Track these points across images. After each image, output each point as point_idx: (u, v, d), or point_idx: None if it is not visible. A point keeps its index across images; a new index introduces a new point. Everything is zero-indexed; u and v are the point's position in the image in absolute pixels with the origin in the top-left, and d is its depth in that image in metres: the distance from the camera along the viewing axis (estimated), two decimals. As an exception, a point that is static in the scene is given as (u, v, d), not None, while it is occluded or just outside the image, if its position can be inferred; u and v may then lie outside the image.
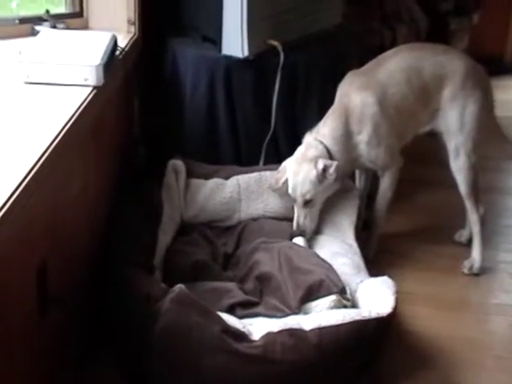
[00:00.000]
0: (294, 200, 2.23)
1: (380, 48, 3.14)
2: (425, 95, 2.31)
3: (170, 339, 1.65)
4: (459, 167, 2.34)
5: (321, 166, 2.16)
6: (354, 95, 2.27)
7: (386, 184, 2.37)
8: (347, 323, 1.73)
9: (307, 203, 2.21)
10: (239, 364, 1.66)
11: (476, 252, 2.42)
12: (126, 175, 2.31)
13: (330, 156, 2.23)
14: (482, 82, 2.34)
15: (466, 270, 2.40)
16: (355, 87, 2.29)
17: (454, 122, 2.31)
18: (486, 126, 2.36)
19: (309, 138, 2.26)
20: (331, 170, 2.16)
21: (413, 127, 2.38)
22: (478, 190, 2.38)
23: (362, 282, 1.96)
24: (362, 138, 2.27)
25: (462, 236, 2.58)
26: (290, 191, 2.23)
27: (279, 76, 2.42)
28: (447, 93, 2.30)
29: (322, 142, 2.23)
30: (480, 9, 4.24)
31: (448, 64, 2.31)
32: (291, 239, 2.18)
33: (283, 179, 2.26)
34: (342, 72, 2.56)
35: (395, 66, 2.31)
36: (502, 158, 2.49)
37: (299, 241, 2.17)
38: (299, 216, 2.22)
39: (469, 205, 2.39)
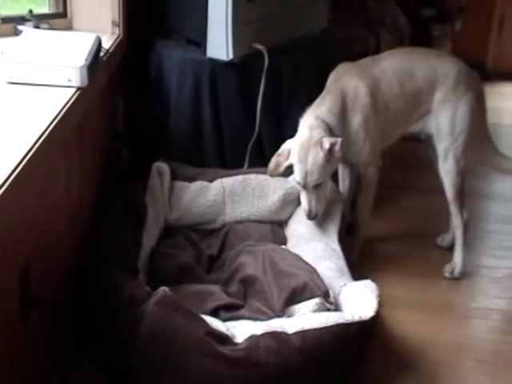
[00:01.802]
0: (304, 185, 2.18)
1: (364, 53, 3.16)
2: (416, 98, 2.32)
3: (154, 342, 1.64)
4: (447, 170, 2.35)
5: (327, 145, 2.12)
6: (349, 81, 2.27)
7: (367, 184, 2.38)
8: (330, 326, 1.73)
9: (317, 186, 2.18)
10: (223, 367, 1.65)
11: (457, 256, 2.43)
12: (110, 177, 2.29)
13: (332, 132, 2.19)
14: (474, 87, 2.35)
15: (447, 274, 2.42)
16: (350, 75, 2.29)
17: (445, 125, 2.32)
18: (477, 132, 2.37)
19: (309, 119, 2.20)
20: (337, 148, 2.13)
21: (400, 128, 2.40)
22: (463, 194, 2.40)
23: (345, 285, 1.97)
24: (353, 125, 2.26)
25: (444, 240, 2.59)
26: (297, 178, 2.18)
27: (264, 79, 2.42)
28: (439, 96, 2.31)
29: (323, 120, 2.19)
30: (462, 16, 4.28)
31: (440, 68, 2.32)
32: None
33: (286, 164, 2.20)
34: (327, 76, 2.58)
35: (389, 66, 2.32)
36: (490, 169, 2.50)
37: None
38: (310, 200, 2.18)
39: (453, 209, 2.41)
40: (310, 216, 2.20)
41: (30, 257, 1.51)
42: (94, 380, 1.81)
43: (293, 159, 2.18)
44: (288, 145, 2.20)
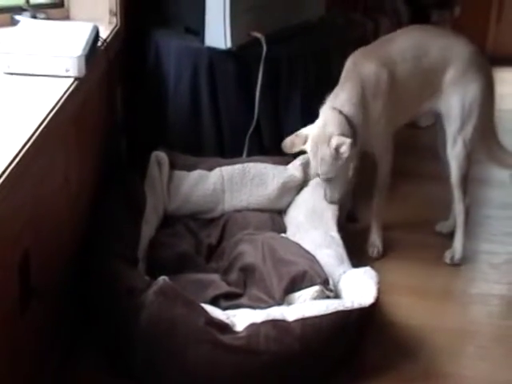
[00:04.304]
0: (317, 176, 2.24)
1: (362, 39, 3.15)
2: (429, 76, 2.29)
3: (154, 331, 1.65)
4: (455, 155, 2.33)
5: (333, 144, 2.13)
6: (369, 68, 2.24)
7: (382, 172, 2.37)
8: (330, 314, 1.74)
9: (329, 180, 2.20)
10: (223, 355, 1.66)
11: (458, 242, 2.43)
12: (108, 167, 2.29)
13: (351, 124, 2.19)
14: (485, 70, 2.33)
15: (448, 261, 2.42)
16: (370, 60, 2.25)
17: (455, 106, 2.30)
18: (484, 120, 2.34)
19: (327, 110, 2.21)
20: (343, 149, 2.13)
21: (412, 108, 2.37)
22: (467, 180, 2.38)
23: (344, 272, 1.97)
24: (374, 113, 2.24)
25: (443, 227, 2.59)
26: (311, 170, 2.24)
27: (262, 67, 2.41)
28: (450, 75, 2.29)
29: (341, 111, 2.19)
30: (461, 1, 4.26)
31: (454, 47, 2.30)
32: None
33: (301, 147, 2.23)
34: (325, 64, 2.57)
35: (404, 43, 2.30)
36: (492, 163, 2.49)
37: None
38: (326, 188, 2.23)
39: (456, 194, 2.39)
40: (327, 201, 2.24)
41: (29, 247, 1.52)
42: (94, 369, 1.82)
43: (308, 148, 2.21)
44: (307, 131, 2.22)
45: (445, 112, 2.33)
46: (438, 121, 2.40)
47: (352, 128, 2.18)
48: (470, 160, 2.35)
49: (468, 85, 2.29)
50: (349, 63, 2.28)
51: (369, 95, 2.23)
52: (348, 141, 2.13)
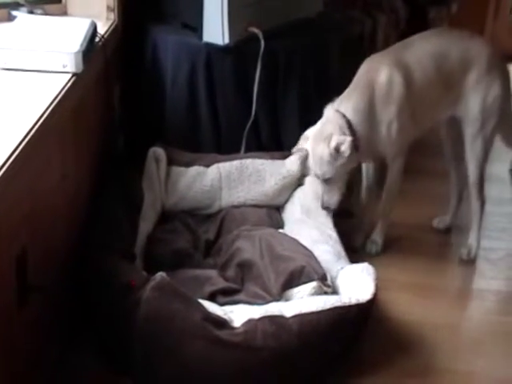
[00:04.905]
0: (316, 176, 2.24)
1: (360, 36, 3.14)
2: (449, 80, 2.27)
3: (152, 327, 1.65)
4: (476, 154, 2.31)
5: (333, 144, 2.12)
6: (383, 72, 2.21)
7: (393, 174, 2.35)
8: (328, 310, 1.74)
9: (327, 180, 2.20)
10: (220, 351, 1.66)
11: (473, 239, 2.41)
12: (106, 163, 2.29)
13: (352, 129, 2.16)
14: (504, 70, 2.32)
15: (464, 257, 2.40)
16: (384, 64, 2.22)
17: (476, 107, 2.27)
18: (504, 116, 2.32)
19: (330, 111, 2.20)
20: (343, 147, 2.12)
21: (433, 115, 2.34)
22: (484, 178, 2.37)
23: (342, 268, 1.97)
24: (385, 118, 2.22)
25: (440, 222, 2.59)
26: (310, 168, 2.24)
27: (260, 63, 2.41)
28: (472, 77, 2.26)
29: (344, 115, 2.17)
30: (459, -2, 4.26)
31: (473, 49, 2.28)
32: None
33: (305, 147, 2.27)
34: (323, 59, 2.57)
35: (422, 50, 2.27)
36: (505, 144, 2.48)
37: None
38: (323, 192, 2.22)
39: (474, 192, 2.37)
40: (322, 206, 2.24)
41: (27, 243, 1.52)
42: (92, 365, 1.82)
43: (308, 147, 2.22)
44: (309, 131, 2.24)
45: (464, 113, 2.30)
46: (452, 121, 2.37)
47: (353, 133, 2.16)
48: (488, 158, 2.34)
49: (490, 85, 2.27)
50: (362, 69, 2.26)
51: (378, 102, 2.21)
52: (348, 139, 2.12)
